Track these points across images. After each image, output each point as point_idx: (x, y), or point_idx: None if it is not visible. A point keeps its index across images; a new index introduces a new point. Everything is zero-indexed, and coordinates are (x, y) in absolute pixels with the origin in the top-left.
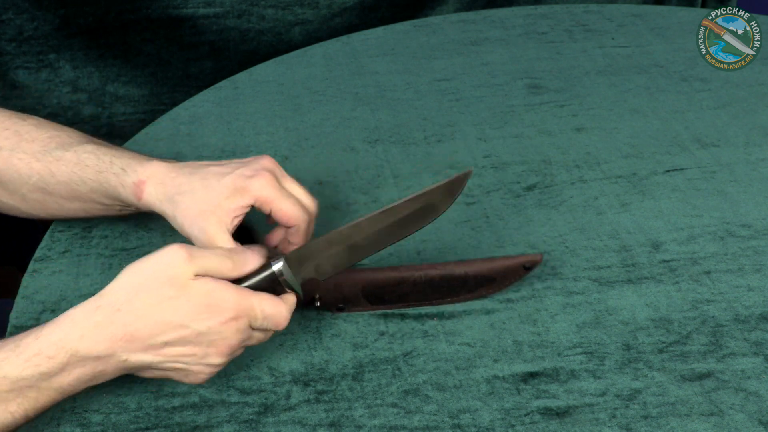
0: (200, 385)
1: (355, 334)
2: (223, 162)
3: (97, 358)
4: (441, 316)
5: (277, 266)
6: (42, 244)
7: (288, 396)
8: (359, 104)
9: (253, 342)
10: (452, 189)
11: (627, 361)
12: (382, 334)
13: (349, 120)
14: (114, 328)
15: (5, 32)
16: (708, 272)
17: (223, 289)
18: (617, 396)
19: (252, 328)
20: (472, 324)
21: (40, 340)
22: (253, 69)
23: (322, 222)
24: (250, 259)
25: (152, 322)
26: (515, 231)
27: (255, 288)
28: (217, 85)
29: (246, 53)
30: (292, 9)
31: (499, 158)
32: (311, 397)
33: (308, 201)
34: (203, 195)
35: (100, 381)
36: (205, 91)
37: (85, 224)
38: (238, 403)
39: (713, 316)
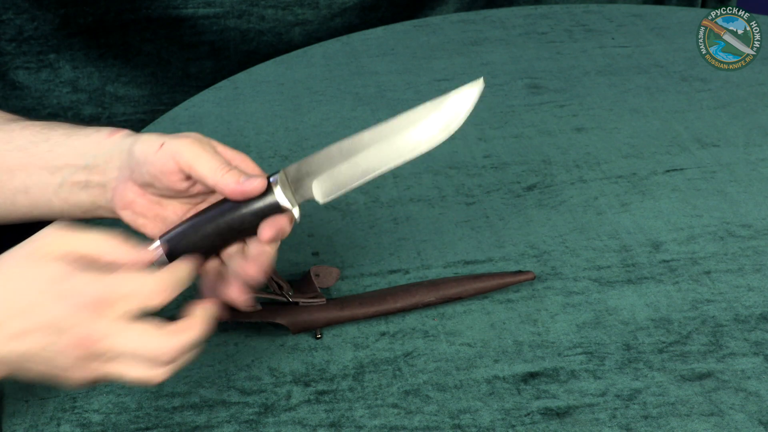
0: (200, 385)
1: (355, 334)
2: None
3: None
4: (441, 316)
5: (273, 178)
6: None
7: (288, 396)
8: (359, 104)
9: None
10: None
11: (627, 361)
12: (383, 334)
13: (349, 120)
14: None
15: (5, 32)
16: (708, 272)
17: (74, 274)
18: (617, 396)
19: (126, 317)
20: (472, 324)
21: None
22: (253, 69)
23: (323, 222)
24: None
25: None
26: (515, 231)
27: (245, 209)
28: (217, 85)
29: (246, 53)
30: (292, 9)
31: (499, 158)
32: (312, 397)
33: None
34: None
35: None
36: (205, 91)
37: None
38: (239, 403)
39: (713, 316)
